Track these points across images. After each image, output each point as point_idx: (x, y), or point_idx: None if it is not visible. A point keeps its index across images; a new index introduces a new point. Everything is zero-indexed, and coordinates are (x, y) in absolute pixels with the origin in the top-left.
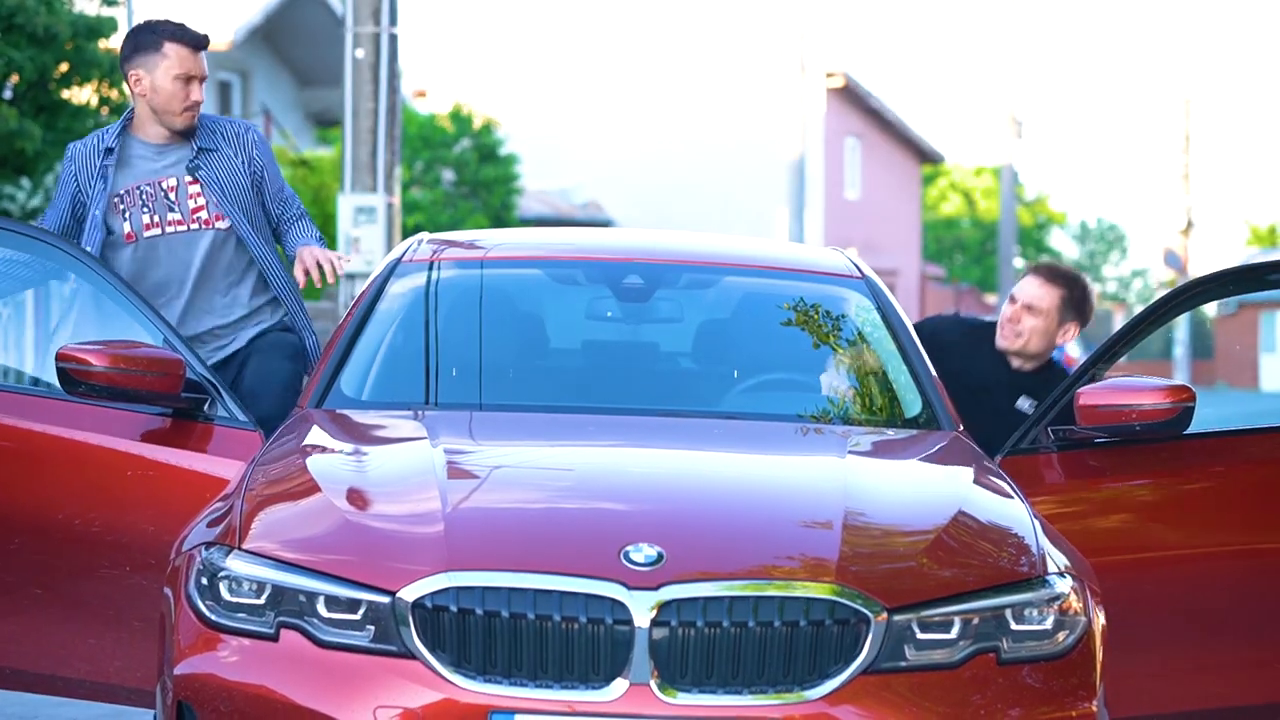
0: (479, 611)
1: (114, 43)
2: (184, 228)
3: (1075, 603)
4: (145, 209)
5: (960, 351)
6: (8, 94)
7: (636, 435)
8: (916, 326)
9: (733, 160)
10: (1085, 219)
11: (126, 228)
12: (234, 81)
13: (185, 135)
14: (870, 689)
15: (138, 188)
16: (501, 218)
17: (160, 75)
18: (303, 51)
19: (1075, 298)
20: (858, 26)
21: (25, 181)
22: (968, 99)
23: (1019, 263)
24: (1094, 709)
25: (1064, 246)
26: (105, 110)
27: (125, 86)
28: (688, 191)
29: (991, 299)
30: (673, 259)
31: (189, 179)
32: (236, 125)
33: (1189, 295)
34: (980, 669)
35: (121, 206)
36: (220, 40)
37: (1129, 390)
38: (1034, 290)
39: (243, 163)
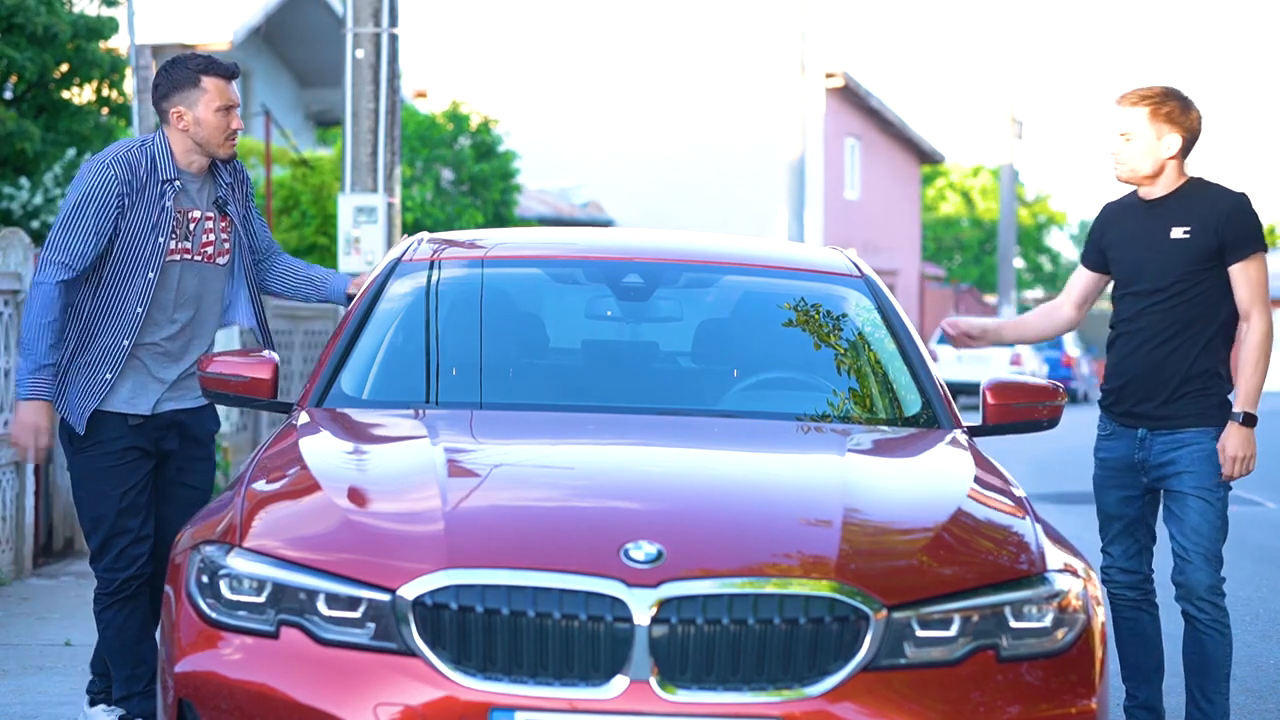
0: (479, 609)
1: (114, 43)
2: (189, 257)
3: (1075, 600)
4: (173, 235)
5: (1119, 228)
6: (8, 94)
7: (636, 434)
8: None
9: (733, 160)
10: (1085, 219)
11: None
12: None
13: (223, 163)
14: (870, 686)
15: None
16: (501, 215)
17: (202, 109)
18: (303, 51)
19: (1163, 109)
20: (858, 26)
21: (25, 181)
22: (968, 99)
23: (1019, 263)
24: (1093, 706)
25: (1064, 247)
26: (105, 110)
27: (166, 120)
28: (688, 191)
29: (991, 299)
30: (672, 258)
31: (210, 213)
32: (236, 164)
33: None
34: (980, 666)
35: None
36: (220, 40)
37: (1030, 390)
38: (1121, 118)
39: (242, 200)
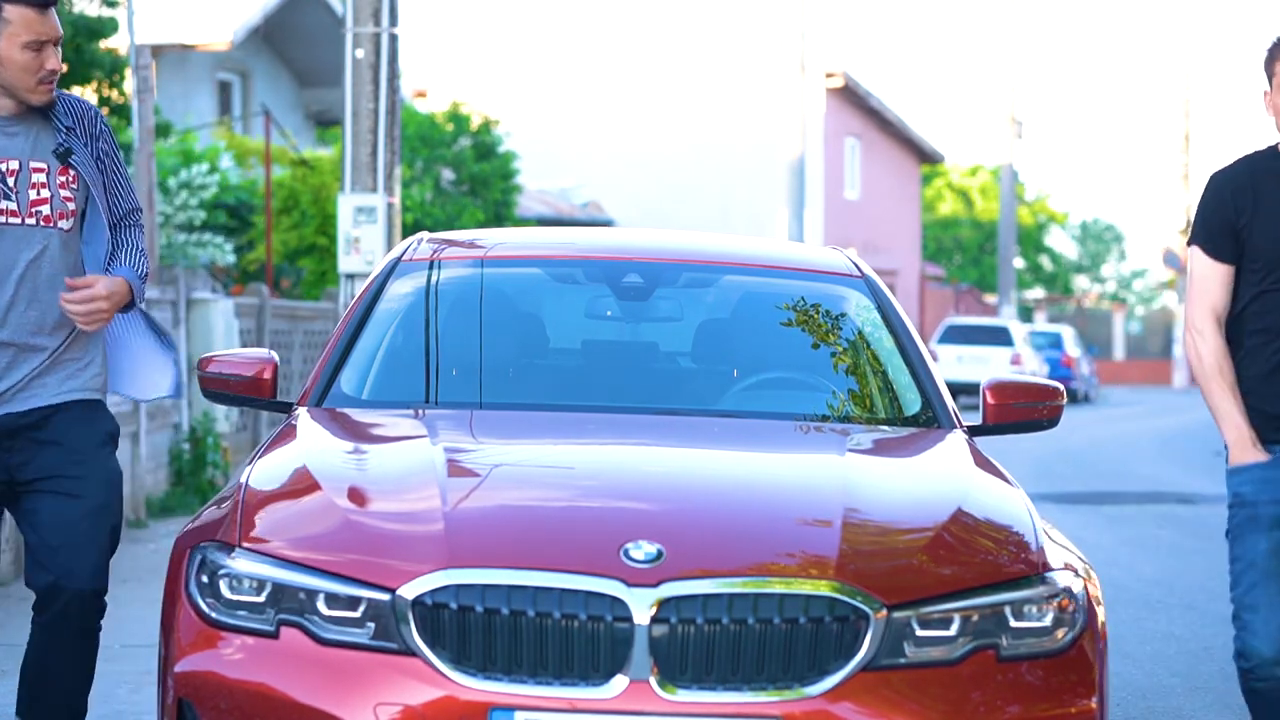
0: (479, 609)
1: (114, 43)
2: (18, 220)
3: (1075, 599)
4: None
5: (1265, 200)
6: None
7: (636, 434)
8: (1210, 188)
9: (733, 160)
10: (1085, 219)
11: None
12: (234, 81)
13: (42, 110)
14: (870, 686)
15: None
16: (501, 215)
17: (5, 45)
18: (303, 51)
19: None
20: (858, 26)
21: None
22: (968, 99)
23: (1019, 263)
24: (1093, 705)
25: (1064, 246)
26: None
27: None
28: (688, 191)
29: (991, 298)
30: (672, 258)
31: (41, 164)
32: (83, 104)
33: None
34: (980, 665)
35: None
36: (220, 40)
37: (1030, 389)
38: None
39: (89, 148)
